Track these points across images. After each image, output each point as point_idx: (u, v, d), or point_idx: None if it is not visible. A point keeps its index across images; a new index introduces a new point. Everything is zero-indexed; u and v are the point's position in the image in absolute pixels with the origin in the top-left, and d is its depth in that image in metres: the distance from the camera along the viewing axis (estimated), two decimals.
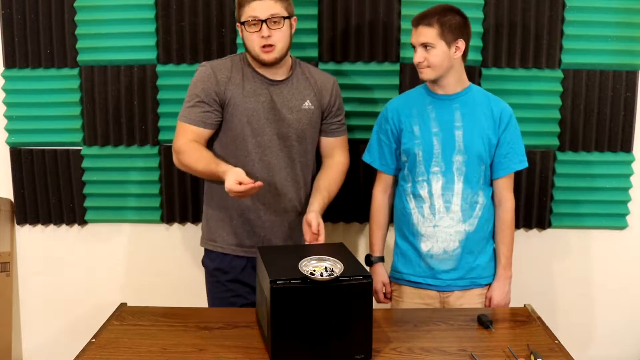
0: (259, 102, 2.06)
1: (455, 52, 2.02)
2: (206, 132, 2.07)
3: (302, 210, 2.15)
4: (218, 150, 2.11)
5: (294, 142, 2.10)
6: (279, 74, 2.09)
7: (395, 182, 2.24)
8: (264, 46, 1.99)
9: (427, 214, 2.11)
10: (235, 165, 1.99)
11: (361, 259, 2.08)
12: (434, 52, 2.00)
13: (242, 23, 2.01)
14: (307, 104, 2.11)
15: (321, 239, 1.97)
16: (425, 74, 2.05)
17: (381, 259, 2.24)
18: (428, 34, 1.99)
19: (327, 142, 2.22)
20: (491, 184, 2.16)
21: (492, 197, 2.16)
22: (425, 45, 2.01)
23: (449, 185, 2.08)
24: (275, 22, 1.98)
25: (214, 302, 2.19)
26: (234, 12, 2.45)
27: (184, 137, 2.05)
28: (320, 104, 2.15)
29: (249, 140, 2.07)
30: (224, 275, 2.15)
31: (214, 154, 2.03)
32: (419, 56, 2.03)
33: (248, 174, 1.99)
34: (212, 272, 2.18)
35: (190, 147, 2.03)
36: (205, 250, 2.21)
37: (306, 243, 1.99)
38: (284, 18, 1.99)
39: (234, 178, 1.82)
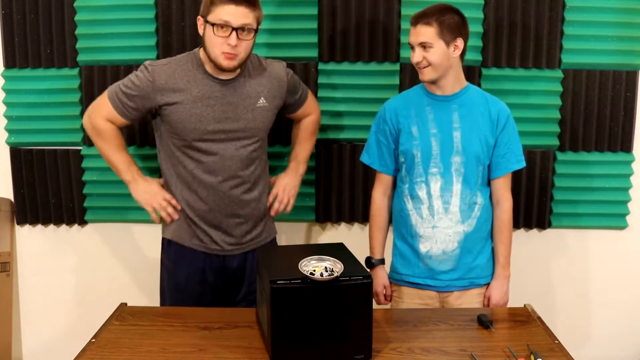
0: (209, 105, 2.00)
1: (454, 51, 2.02)
2: (121, 122, 2.06)
3: (263, 211, 2.16)
4: (165, 159, 2.07)
5: (252, 143, 2.06)
6: (230, 74, 2.03)
7: (394, 184, 2.24)
8: (227, 52, 1.92)
9: (425, 215, 2.10)
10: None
11: (361, 260, 2.07)
12: (433, 52, 2.00)
13: (211, 23, 1.90)
14: (262, 101, 2.07)
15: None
16: (426, 74, 2.04)
17: (382, 262, 2.23)
18: (427, 33, 1.98)
19: (297, 113, 2.26)
20: (489, 184, 2.16)
21: (490, 197, 2.16)
22: (423, 45, 2.00)
23: (447, 187, 2.08)
24: (245, 32, 1.91)
25: (166, 295, 2.17)
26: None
27: (104, 115, 2.05)
28: (275, 99, 2.11)
29: (201, 145, 2.01)
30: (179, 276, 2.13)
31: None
32: (417, 55, 2.02)
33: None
34: (168, 267, 2.16)
35: (110, 131, 2.05)
36: (164, 245, 2.18)
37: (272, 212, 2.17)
38: (254, 30, 1.94)
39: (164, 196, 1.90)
